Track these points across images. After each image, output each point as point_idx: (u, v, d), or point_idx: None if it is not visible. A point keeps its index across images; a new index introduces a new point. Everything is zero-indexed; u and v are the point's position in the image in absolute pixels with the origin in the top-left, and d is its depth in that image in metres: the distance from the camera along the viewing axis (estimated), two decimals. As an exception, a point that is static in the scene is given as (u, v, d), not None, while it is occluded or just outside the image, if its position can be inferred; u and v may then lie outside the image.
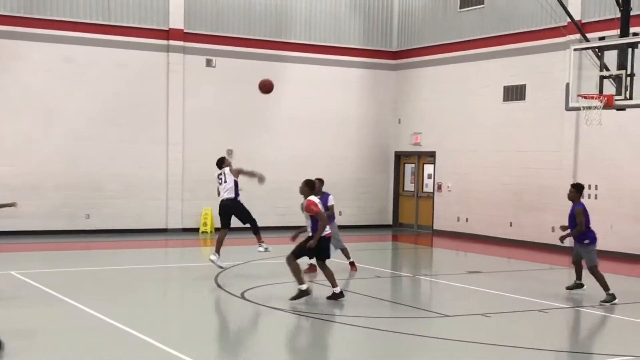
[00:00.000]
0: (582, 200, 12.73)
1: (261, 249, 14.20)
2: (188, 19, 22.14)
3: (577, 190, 12.60)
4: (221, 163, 14.46)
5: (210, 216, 21.96)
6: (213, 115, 22.39)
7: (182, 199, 22.05)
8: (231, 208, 14.13)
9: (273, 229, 21.84)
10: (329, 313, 10.82)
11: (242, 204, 14.27)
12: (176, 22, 21.96)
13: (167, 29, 21.86)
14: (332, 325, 10.28)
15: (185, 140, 22.08)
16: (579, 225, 12.25)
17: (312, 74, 23.68)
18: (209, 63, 22.44)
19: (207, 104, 22.29)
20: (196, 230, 22.09)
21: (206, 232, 21.96)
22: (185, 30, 22.07)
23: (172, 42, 21.84)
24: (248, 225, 14.35)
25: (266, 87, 14.09)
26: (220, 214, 14.38)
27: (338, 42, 24.22)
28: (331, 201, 14.32)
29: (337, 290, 11.64)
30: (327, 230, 11.71)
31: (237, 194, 14.12)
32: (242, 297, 11.98)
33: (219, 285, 13.03)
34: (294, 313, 10.83)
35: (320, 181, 14.13)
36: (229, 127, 22.53)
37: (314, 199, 11.78)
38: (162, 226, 21.85)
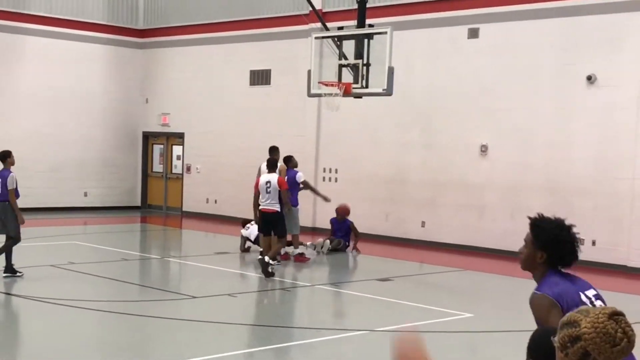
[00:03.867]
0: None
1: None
2: None
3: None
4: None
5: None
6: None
7: None
8: None
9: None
10: (72, 298, 10.52)
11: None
12: None
13: None
14: (76, 310, 10.01)
15: None
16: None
17: (54, 48, 22.56)
18: (-64, 32, 20.66)
19: None
20: None
21: None
22: None
23: None
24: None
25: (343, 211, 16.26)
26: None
27: (81, 16, 23.29)
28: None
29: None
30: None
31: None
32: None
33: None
34: (33, 300, 10.41)
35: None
36: (-41, 103, 20.92)
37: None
38: None
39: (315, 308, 11.75)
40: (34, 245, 15.21)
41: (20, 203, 20.74)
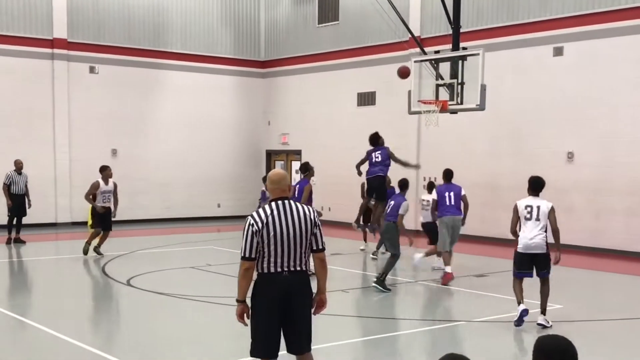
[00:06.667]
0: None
1: None
2: (71, 29, 21.64)
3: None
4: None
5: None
6: (97, 118, 22.01)
7: (70, 196, 21.56)
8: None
9: (160, 221, 21.88)
10: (209, 295, 11.06)
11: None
12: (60, 32, 21.42)
13: (51, 38, 21.29)
14: (210, 305, 10.54)
15: (72, 141, 21.59)
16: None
17: (189, 80, 23.71)
18: (92, 70, 22.03)
19: (91, 108, 21.88)
20: (85, 223, 21.66)
21: (94, 226, 21.58)
22: (68, 40, 21.56)
23: (56, 51, 21.29)
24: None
25: (404, 73, 14.56)
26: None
27: (211, 51, 24.35)
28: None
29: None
30: None
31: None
32: (128, 284, 12.08)
33: (106, 274, 13.01)
34: (176, 297, 11.04)
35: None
36: (112, 129, 22.24)
37: None
38: (52, 221, 21.31)
39: (419, 302, 11.89)
40: (177, 250, 16.03)
41: (163, 214, 21.71)
